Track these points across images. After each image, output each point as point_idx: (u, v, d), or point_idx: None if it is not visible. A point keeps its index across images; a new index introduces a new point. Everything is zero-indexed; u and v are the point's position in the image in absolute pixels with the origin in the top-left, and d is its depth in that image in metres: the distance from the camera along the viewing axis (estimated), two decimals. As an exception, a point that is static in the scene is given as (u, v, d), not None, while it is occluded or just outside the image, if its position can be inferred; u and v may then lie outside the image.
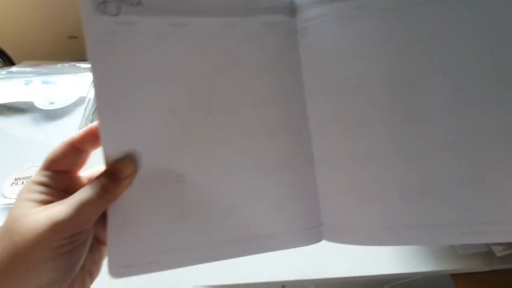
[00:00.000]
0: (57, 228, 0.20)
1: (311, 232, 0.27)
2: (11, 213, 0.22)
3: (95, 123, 0.24)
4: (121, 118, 0.23)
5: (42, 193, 0.22)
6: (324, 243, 0.40)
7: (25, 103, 0.51)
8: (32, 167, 0.42)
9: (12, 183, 0.40)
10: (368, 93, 0.24)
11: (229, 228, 0.25)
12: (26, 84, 0.54)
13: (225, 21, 0.25)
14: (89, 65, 0.23)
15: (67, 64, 0.61)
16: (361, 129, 0.24)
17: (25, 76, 0.56)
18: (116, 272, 0.24)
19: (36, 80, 0.55)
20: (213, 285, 0.36)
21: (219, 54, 0.25)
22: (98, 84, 0.23)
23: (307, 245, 0.27)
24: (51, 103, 0.50)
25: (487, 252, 0.37)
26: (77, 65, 0.58)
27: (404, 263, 0.37)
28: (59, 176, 0.23)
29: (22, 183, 0.40)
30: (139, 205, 0.24)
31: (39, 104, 0.50)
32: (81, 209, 0.21)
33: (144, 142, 0.24)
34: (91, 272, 0.25)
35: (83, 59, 0.59)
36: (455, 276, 0.37)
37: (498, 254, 0.36)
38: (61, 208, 0.20)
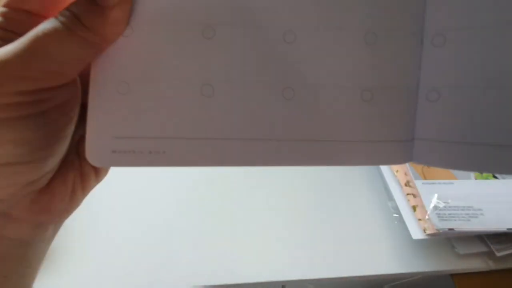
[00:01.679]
0: (6, 73, 0.13)
1: (402, 146, 0.20)
2: None
3: None
4: None
5: None
6: (324, 243, 0.40)
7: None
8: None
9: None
10: None
11: (292, 122, 0.18)
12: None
13: None
14: None
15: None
16: None
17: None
18: (98, 156, 0.17)
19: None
20: (213, 285, 0.36)
21: None
22: None
23: (394, 163, 0.20)
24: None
25: (487, 252, 0.37)
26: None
27: (404, 263, 0.37)
28: (22, 17, 0.15)
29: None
30: (144, 64, 0.17)
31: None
32: (37, 46, 0.14)
33: None
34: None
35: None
36: (455, 276, 0.37)
37: (498, 254, 0.36)
38: (11, 47, 0.14)
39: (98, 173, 0.19)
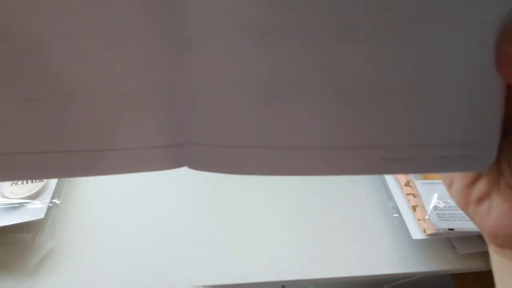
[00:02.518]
0: None
1: (170, 152, 0.20)
2: None
3: None
4: None
5: None
6: (324, 243, 0.40)
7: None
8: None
9: (12, 183, 0.40)
10: None
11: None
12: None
13: None
14: None
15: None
16: None
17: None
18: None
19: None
20: (213, 285, 0.36)
21: None
22: None
23: (162, 169, 0.20)
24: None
25: (487, 252, 0.37)
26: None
27: (404, 263, 0.37)
28: None
29: (22, 183, 0.40)
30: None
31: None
32: None
33: None
34: None
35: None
36: (455, 276, 0.37)
37: (498, 254, 0.36)
38: None
39: None
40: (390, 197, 0.43)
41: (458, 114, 0.18)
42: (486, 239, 0.20)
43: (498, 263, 0.21)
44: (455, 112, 0.18)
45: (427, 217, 0.38)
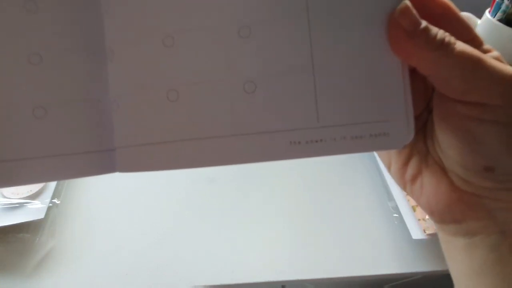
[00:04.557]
0: None
1: (101, 157, 0.21)
2: None
3: None
4: None
5: None
6: (324, 243, 0.40)
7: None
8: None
9: (12, 183, 0.40)
10: None
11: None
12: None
13: None
14: None
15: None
16: None
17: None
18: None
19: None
20: (213, 285, 0.36)
21: None
22: None
23: (95, 174, 0.20)
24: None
25: (487, 252, 0.37)
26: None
27: (404, 263, 0.37)
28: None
29: (22, 183, 0.40)
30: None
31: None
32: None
33: None
34: None
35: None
36: (455, 276, 0.37)
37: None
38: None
39: None
40: (390, 197, 0.43)
41: (361, 94, 0.19)
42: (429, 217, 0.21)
43: (444, 240, 0.21)
44: (357, 92, 0.19)
45: (427, 217, 0.38)
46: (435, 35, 0.17)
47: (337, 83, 0.19)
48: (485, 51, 0.18)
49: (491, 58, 0.17)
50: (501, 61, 0.18)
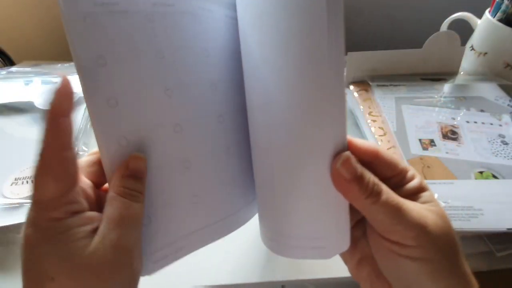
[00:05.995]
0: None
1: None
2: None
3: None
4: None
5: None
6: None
7: (25, 103, 0.51)
8: (32, 167, 0.42)
9: (12, 183, 0.40)
10: None
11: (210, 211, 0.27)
12: (26, 84, 0.54)
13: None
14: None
15: (67, 64, 0.61)
16: None
17: (25, 76, 0.56)
18: (147, 270, 0.24)
19: (36, 80, 0.55)
20: (213, 285, 0.36)
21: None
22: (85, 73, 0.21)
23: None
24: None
25: (487, 252, 0.37)
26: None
27: (404, 263, 0.37)
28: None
29: (22, 183, 0.40)
30: (157, 197, 0.23)
31: (39, 104, 0.50)
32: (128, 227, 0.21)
33: (144, 127, 0.22)
34: None
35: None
36: (455, 276, 0.37)
37: (498, 254, 0.36)
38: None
39: None
40: (390, 197, 0.43)
41: (308, 218, 0.23)
42: None
43: None
44: (304, 216, 0.24)
45: (427, 217, 0.38)
46: (367, 184, 0.21)
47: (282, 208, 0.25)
48: (409, 179, 0.24)
49: (409, 205, 0.21)
50: (420, 180, 0.24)
